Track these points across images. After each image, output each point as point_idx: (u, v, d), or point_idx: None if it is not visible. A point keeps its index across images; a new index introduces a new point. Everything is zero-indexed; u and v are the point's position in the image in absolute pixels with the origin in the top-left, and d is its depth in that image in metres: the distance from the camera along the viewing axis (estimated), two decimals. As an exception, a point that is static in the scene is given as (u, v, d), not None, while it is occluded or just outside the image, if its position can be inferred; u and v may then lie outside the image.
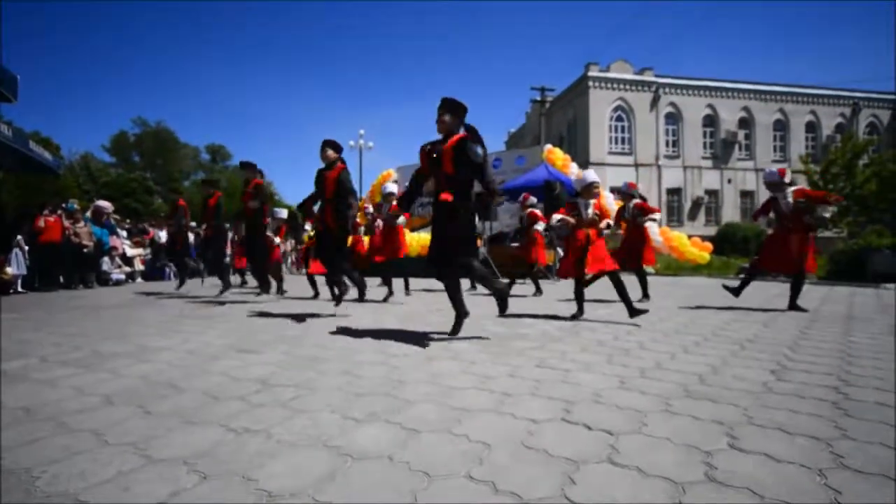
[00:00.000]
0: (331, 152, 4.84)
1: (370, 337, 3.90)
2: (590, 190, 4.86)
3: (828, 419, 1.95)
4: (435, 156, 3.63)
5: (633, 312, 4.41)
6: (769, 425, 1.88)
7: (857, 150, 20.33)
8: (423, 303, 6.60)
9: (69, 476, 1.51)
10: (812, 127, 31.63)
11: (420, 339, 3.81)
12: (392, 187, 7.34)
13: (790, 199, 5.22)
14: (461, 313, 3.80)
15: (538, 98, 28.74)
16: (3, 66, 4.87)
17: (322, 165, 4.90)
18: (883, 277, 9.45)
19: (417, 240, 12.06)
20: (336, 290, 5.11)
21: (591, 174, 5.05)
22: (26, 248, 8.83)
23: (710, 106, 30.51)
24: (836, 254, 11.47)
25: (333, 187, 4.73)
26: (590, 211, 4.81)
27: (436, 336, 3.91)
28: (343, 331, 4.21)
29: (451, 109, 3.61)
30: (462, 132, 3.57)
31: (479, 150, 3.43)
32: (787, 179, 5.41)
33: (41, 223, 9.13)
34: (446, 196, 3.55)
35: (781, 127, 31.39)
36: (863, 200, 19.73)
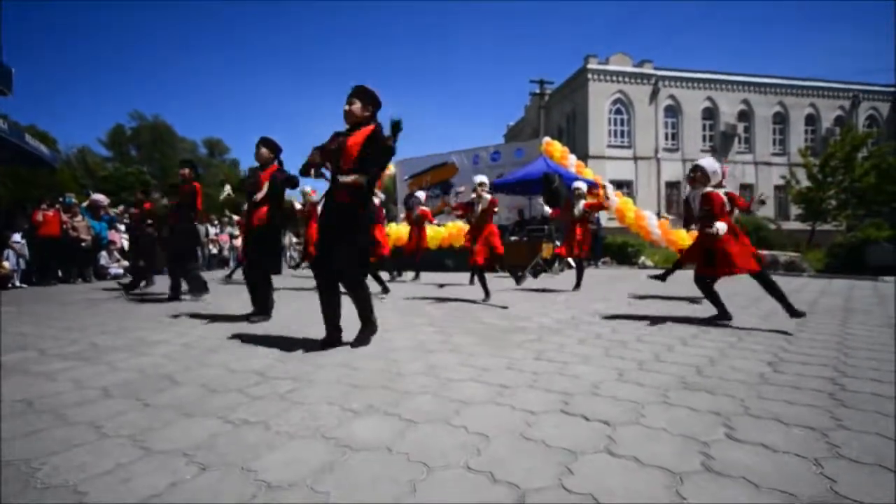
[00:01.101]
0: (265, 151, 4.52)
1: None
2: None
3: (824, 409, 1.96)
4: (335, 148, 3.16)
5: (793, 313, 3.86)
6: (766, 416, 1.90)
7: (856, 142, 20.27)
8: (422, 296, 6.60)
9: (69, 468, 1.51)
10: (812, 120, 31.54)
11: (418, 331, 3.81)
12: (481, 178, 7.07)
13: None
14: (367, 323, 3.31)
15: (537, 91, 28.59)
16: (-2, 58, 4.83)
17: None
18: (881, 270, 9.47)
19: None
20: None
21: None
22: (23, 242, 8.81)
23: (710, 98, 30.38)
24: (834, 247, 11.49)
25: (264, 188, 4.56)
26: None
27: (434, 329, 3.92)
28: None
29: (363, 98, 3.15)
30: (372, 125, 3.12)
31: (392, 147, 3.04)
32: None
33: (39, 217, 9.10)
34: (343, 197, 3.08)
35: (781, 120, 31.30)
36: (862, 193, 19.73)
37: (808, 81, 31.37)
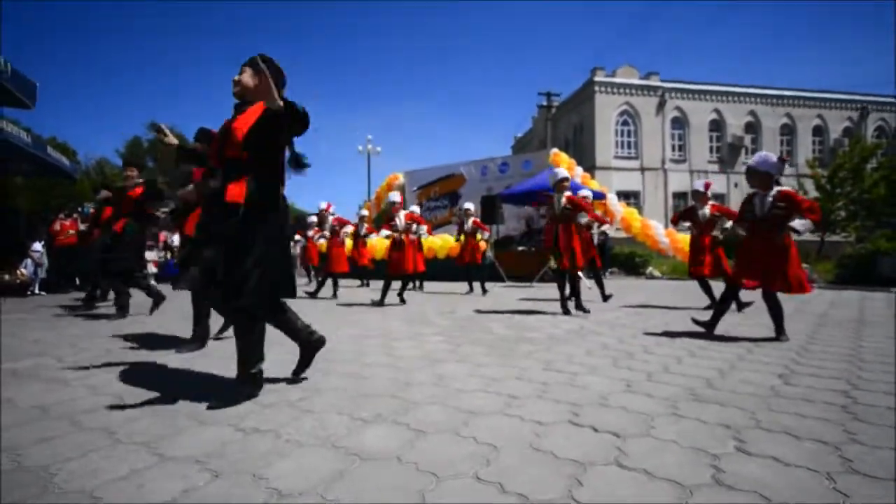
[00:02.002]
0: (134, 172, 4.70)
1: (376, 339, 3.91)
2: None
3: (836, 423, 1.92)
4: (220, 132, 2.40)
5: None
6: (777, 429, 1.86)
7: (865, 153, 20.04)
8: (431, 305, 6.60)
9: (84, 473, 1.52)
10: (819, 131, 31.29)
11: (425, 341, 3.81)
12: (395, 196, 7.19)
13: (707, 212, 5.99)
14: (243, 374, 2.35)
15: (544, 103, 28.73)
16: (22, 73, 4.95)
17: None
18: (892, 281, 9.31)
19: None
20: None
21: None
22: (42, 251, 8.96)
23: (717, 110, 30.29)
24: (843, 258, 11.31)
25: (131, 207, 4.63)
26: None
27: (442, 338, 3.91)
28: (349, 334, 4.22)
29: (255, 66, 2.23)
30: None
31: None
32: (709, 193, 6.17)
33: (57, 227, 9.27)
34: (235, 194, 2.19)
35: (788, 131, 31.09)
36: (871, 205, 19.45)
37: (815, 93, 31.19)
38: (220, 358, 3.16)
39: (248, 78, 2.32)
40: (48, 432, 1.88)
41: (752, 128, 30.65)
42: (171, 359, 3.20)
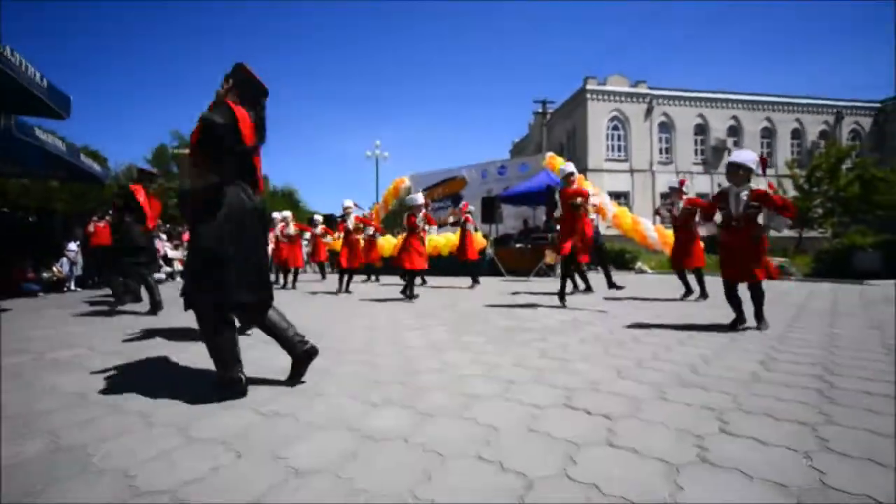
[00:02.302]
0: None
1: (385, 330, 3.92)
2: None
3: (813, 406, 1.92)
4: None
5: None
6: (757, 411, 1.86)
7: (840, 155, 19.88)
8: (437, 299, 6.61)
9: (120, 453, 1.54)
10: (797, 134, 31.05)
11: (431, 331, 3.82)
12: (420, 198, 7.03)
13: (681, 205, 5.86)
14: (294, 353, 2.30)
15: (540, 110, 28.62)
16: (57, 87, 4.98)
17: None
18: (866, 274, 9.25)
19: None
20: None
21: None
22: (77, 250, 9.02)
23: (701, 115, 30.10)
24: (821, 252, 11.24)
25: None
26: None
27: (446, 329, 3.92)
28: (360, 326, 4.24)
29: (232, 75, 2.28)
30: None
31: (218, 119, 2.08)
32: (684, 189, 6.09)
33: (91, 228, 9.32)
34: (197, 204, 2.20)
35: (769, 134, 30.87)
36: (846, 203, 19.31)
37: (793, 98, 30.95)
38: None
39: (222, 90, 2.24)
40: (87, 416, 1.90)
41: (735, 131, 30.45)
42: (195, 348, 3.22)
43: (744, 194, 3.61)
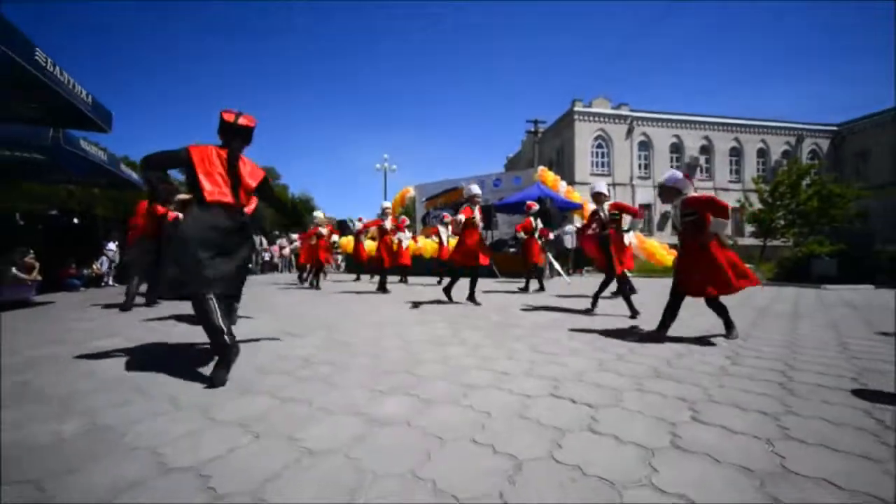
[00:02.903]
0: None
1: (392, 326, 3.91)
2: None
3: (775, 398, 1.91)
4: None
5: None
6: (726, 402, 1.85)
7: (801, 172, 19.89)
8: (437, 298, 6.59)
9: (150, 433, 1.54)
10: (763, 153, 31.10)
11: (433, 327, 3.81)
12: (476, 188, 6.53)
13: (607, 211, 4.96)
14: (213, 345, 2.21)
15: (532, 129, 28.63)
16: (101, 104, 5.00)
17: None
18: (823, 280, 9.24)
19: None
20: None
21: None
22: (115, 250, 9.02)
23: (677, 136, 30.17)
24: (783, 260, 11.23)
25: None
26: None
27: (446, 325, 3.91)
28: (369, 322, 4.23)
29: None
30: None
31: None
32: (607, 193, 5.23)
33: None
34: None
35: (737, 153, 30.92)
36: (805, 215, 19.30)
37: (759, 121, 31.04)
38: (251, 338, 3.18)
39: None
40: (121, 399, 1.89)
41: (707, 150, 30.51)
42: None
43: (677, 205, 3.31)
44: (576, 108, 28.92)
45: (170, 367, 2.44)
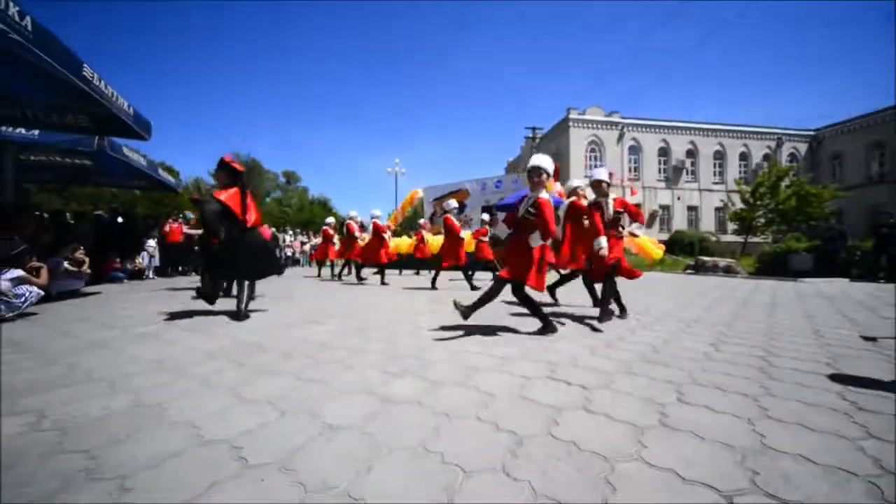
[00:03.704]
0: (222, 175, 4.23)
1: (404, 314, 3.92)
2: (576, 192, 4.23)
3: (755, 381, 1.89)
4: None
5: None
6: (709, 385, 1.84)
7: (780, 174, 19.52)
8: (446, 290, 6.60)
9: (188, 409, 1.56)
10: (744, 156, 30.53)
11: (442, 316, 3.81)
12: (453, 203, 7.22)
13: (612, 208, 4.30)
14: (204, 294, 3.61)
15: (530, 135, 28.48)
16: (141, 114, 5.04)
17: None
18: (799, 273, 9.10)
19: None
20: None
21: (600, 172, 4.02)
22: (155, 246, 9.14)
23: (664, 140, 29.72)
24: (763, 255, 11.06)
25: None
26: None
27: (454, 314, 3.91)
28: (383, 310, 4.24)
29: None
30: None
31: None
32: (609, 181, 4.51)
33: (167, 228, 9.43)
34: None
35: (720, 157, 30.38)
36: (784, 214, 18.98)
37: (741, 126, 30.47)
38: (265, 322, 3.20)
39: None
40: (162, 380, 1.92)
41: (692, 154, 30.03)
42: (249, 325, 3.24)
43: (610, 203, 3.67)
44: (571, 116, 28.61)
45: (202, 349, 2.47)
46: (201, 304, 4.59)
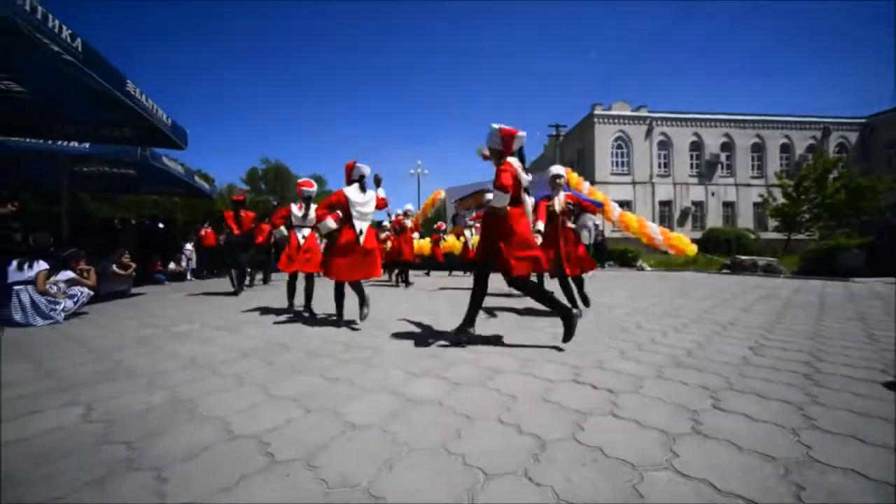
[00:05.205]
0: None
1: (425, 315, 3.93)
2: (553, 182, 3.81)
3: (800, 388, 1.76)
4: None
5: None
6: (748, 391, 1.73)
7: (828, 165, 18.17)
8: (465, 292, 6.57)
9: (219, 405, 1.63)
10: (786, 148, 28.63)
11: (461, 317, 3.79)
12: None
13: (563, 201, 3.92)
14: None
15: (553, 133, 27.91)
16: (178, 124, 5.33)
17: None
18: (850, 272, 8.42)
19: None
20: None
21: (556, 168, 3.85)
22: (192, 249, 9.63)
23: (696, 134, 28.34)
24: (808, 252, 10.33)
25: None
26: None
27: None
28: (404, 311, 4.27)
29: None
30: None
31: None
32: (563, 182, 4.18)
33: (202, 233, 9.93)
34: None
35: (758, 149, 28.65)
36: (832, 208, 17.64)
37: (782, 116, 28.63)
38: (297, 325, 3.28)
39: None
40: (196, 376, 2.02)
41: (727, 147, 28.50)
42: (274, 328, 3.35)
43: (561, 198, 3.68)
44: (596, 112, 27.85)
45: (234, 348, 2.57)
46: (234, 305, 4.78)
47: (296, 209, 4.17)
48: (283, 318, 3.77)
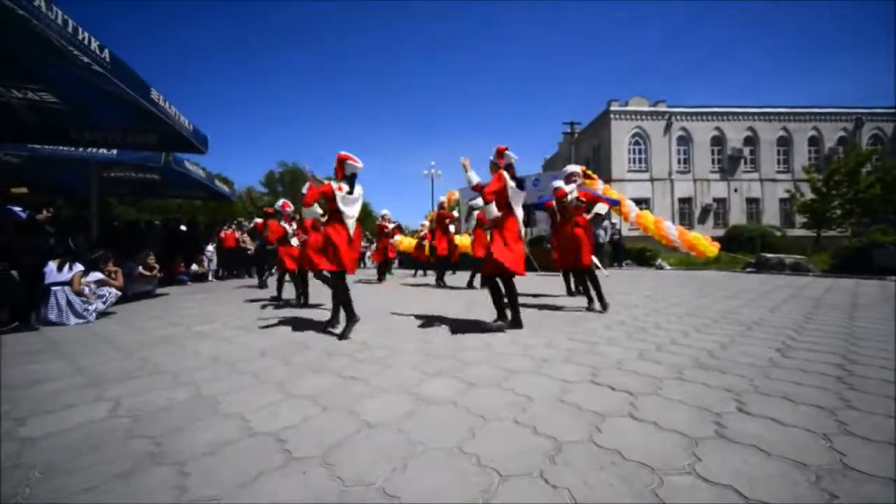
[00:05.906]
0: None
1: (439, 316, 3.94)
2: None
3: (832, 391, 1.68)
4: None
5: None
6: (775, 394, 1.66)
7: (861, 158, 17.31)
8: (481, 292, 6.55)
9: (239, 402, 1.67)
10: (815, 141, 27.39)
11: (477, 316, 3.78)
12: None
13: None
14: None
15: (569, 130, 27.56)
16: (199, 129, 5.50)
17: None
18: (887, 271, 7.99)
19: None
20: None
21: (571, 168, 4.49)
22: (213, 250, 9.92)
23: (718, 128, 27.43)
24: (840, 249, 9.86)
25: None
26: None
27: (490, 314, 3.86)
28: (419, 312, 4.29)
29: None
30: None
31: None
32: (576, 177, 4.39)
33: (222, 235, 10.21)
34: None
35: (785, 143, 27.51)
36: (866, 203, 16.79)
37: (810, 108, 27.42)
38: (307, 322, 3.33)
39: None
40: (217, 374, 2.07)
41: (751, 141, 27.48)
42: (290, 327, 3.40)
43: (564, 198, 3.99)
44: (612, 108, 27.29)
45: (253, 348, 2.63)
46: (253, 305, 4.89)
47: (338, 190, 3.00)
48: (301, 318, 3.83)
